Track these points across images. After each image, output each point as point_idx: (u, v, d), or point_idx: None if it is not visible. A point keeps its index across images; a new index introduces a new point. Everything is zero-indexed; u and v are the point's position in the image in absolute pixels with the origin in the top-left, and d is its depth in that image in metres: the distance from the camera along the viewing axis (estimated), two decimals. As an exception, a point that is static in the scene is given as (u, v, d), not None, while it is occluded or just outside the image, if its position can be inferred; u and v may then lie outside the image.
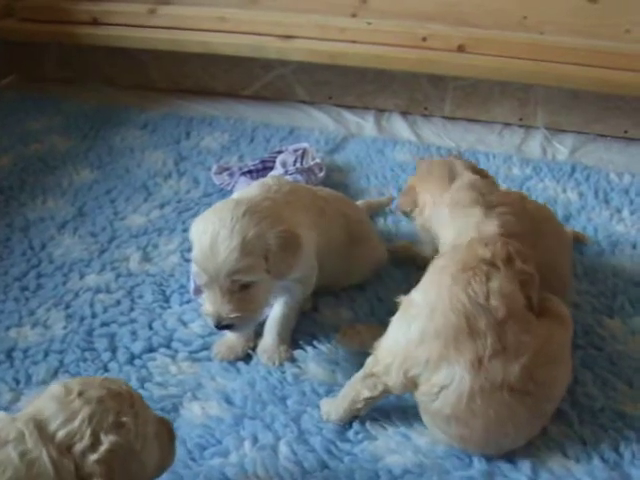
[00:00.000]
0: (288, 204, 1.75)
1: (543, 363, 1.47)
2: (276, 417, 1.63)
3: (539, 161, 2.75)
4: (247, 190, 1.84)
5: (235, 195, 1.84)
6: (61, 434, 1.16)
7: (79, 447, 1.15)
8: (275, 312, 1.82)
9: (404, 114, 3.15)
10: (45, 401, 1.21)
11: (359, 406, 1.57)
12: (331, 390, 1.68)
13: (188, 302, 1.99)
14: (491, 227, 1.68)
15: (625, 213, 2.39)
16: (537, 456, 1.52)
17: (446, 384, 1.44)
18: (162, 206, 2.43)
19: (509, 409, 1.44)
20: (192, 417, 1.64)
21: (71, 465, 1.14)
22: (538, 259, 1.64)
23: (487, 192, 1.80)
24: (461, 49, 2.90)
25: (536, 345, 1.47)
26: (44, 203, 2.46)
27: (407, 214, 2.01)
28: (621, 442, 1.56)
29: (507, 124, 3.06)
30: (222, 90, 3.31)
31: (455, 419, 1.46)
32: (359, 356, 1.75)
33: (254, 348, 1.82)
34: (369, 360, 1.56)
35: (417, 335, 1.48)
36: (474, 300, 1.47)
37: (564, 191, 2.52)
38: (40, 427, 1.16)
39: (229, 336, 1.82)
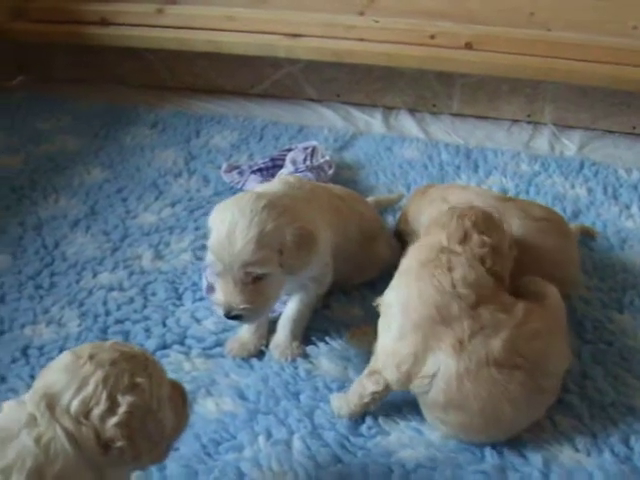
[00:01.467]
0: (307, 203, 1.77)
1: (527, 337, 1.51)
2: (289, 412, 1.64)
3: (547, 157, 2.76)
4: (268, 185, 1.87)
5: (257, 189, 1.85)
6: (75, 403, 1.15)
7: (96, 412, 1.15)
8: (289, 309, 1.84)
9: (412, 111, 3.17)
10: (55, 373, 1.20)
11: (367, 400, 1.58)
12: (343, 386, 1.70)
13: (201, 299, 2.01)
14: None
15: (634, 209, 2.40)
16: (548, 450, 1.54)
17: (434, 372, 1.49)
18: (173, 204, 2.45)
19: (500, 385, 1.47)
20: (206, 413, 1.65)
21: (90, 432, 1.14)
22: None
23: None
24: (469, 46, 2.92)
25: (515, 321, 1.51)
26: (56, 202, 2.49)
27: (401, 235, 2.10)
28: (631, 436, 1.57)
29: (515, 121, 3.08)
30: (231, 89, 3.34)
31: (451, 406, 1.49)
32: (370, 353, 1.77)
33: (267, 345, 1.84)
34: (372, 358, 1.60)
35: (397, 333, 1.54)
36: (441, 290, 1.52)
37: (572, 187, 2.53)
38: (51, 403, 1.15)
39: (242, 333, 1.84)
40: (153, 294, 2.04)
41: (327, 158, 2.59)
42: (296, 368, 1.77)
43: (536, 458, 1.52)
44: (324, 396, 1.68)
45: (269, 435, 1.59)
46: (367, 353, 1.75)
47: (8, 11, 3.38)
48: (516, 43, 2.87)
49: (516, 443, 1.55)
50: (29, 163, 2.76)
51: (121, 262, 2.17)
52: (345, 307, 1.98)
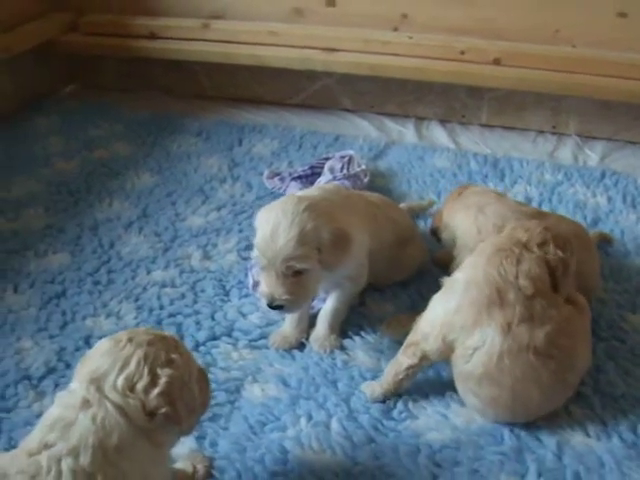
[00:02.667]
0: (343, 208, 1.94)
1: (565, 334, 1.66)
2: (328, 398, 1.80)
3: (570, 167, 2.88)
4: (309, 191, 2.04)
5: (299, 193, 2.02)
6: (121, 381, 1.33)
7: (140, 386, 1.33)
8: (327, 305, 2.01)
9: (443, 122, 3.30)
10: (98, 358, 1.37)
11: (401, 377, 1.75)
12: (376, 375, 1.86)
13: (246, 296, 2.17)
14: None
15: (651, 217, 2.53)
16: (562, 435, 1.69)
17: (479, 345, 1.63)
18: (219, 208, 2.62)
19: (533, 370, 1.62)
20: (253, 398, 1.82)
21: (137, 403, 1.32)
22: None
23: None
24: (497, 62, 3.03)
25: (560, 318, 1.66)
26: (110, 205, 2.66)
27: (436, 233, 2.22)
28: (638, 424, 1.71)
29: (540, 132, 3.20)
30: (270, 99, 3.49)
31: (486, 378, 1.64)
32: (402, 345, 1.94)
33: (307, 338, 2.00)
34: (409, 334, 1.77)
35: (454, 305, 1.69)
36: (504, 277, 1.67)
37: (594, 196, 2.66)
38: (99, 385, 1.33)
39: (284, 327, 2.01)
40: (202, 291, 2.20)
41: (363, 167, 2.74)
42: (334, 359, 1.93)
43: (550, 442, 1.66)
44: (359, 384, 1.84)
45: (310, 417, 1.75)
46: (399, 346, 1.90)
47: (62, 25, 3.57)
48: (542, 59, 2.98)
49: (532, 428, 1.70)
50: (84, 168, 2.94)
51: (172, 261, 2.34)
52: (379, 304, 2.13)
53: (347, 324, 2.04)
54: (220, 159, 2.98)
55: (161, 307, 2.14)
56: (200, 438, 1.71)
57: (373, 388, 1.80)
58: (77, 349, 1.99)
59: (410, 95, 3.31)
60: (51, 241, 2.46)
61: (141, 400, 1.33)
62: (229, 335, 2.03)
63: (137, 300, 2.18)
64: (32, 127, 3.31)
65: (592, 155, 3.02)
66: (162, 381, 1.34)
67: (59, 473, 1.25)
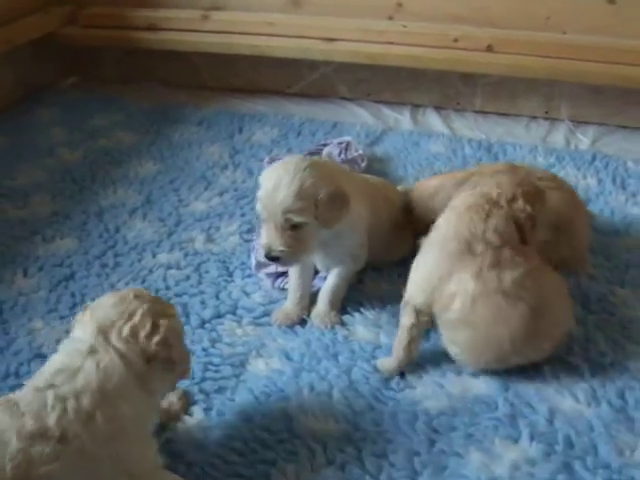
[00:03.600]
0: (346, 178, 2.03)
1: (533, 279, 1.78)
2: (329, 370, 1.88)
3: (562, 151, 2.95)
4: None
5: None
6: (126, 329, 1.49)
7: (143, 334, 1.49)
8: (328, 283, 2.08)
9: (438, 109, 3.36)
10: (105, 310, 1.53)
11: (407, 340, 1.84)
12: (376, 348, 1.94)
13: (249, 276, 2.25)
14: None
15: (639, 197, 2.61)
16: (553, 401, 1.76)
17: (455, 292, 1.76)
18: (221, 194, 2.69)
19: (502, 311, 1.75)
20: (257, 371, 1.90)
21: (137, 349, 1.48)
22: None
23: None
24: (490, 49, 3.09)
25: (528, 265, 1.78)
26: (114, 192, 2.73)
27: None
28: (626, 391, 1.78)
29: (533, 117, 3.26)
30: (270, 88, 3.55)
31: (462, 323, 1.77)
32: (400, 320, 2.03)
33: (308, 315, 2.07)
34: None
35: (432, 260, 1.85)
36: (473, 232, 1.80)
37: (584, 178, 2.73)
38: (106, 333, 1.48)
39: (286, 304, 2.09)
40: (206, 272, 2.28)
41: (360, 152, 2.82)
42: (335, 334, 2.01)
43: (542, 408, 1.74)
44: (360, 357, 1.92)
45: (312, 388, 1.83)
46: (396, 321, 1.99)
47: (62, 18, 3.63)
48: (534, 45, 3.04)
49: (524, 395, 1.78)
50: (88, 157, 3.01)
51: (177, 244, 2.41)
52: (376, 282, 2.21)
53: (347, 301, 2.12)
54: (221, 147, 3.05)
55: (167, 288, 2.21)
56: (207, 409, 1.78)
57: (388, 362, 1.89)
58: (87, 329, 2.06)
59: (406, 83, 3.37)
60: (58, 227, 2.53)
61: (142, 347, 1.49)
62: (233, 313, 2.10)
63: (144, 282, 2.25)
64: (34, 119, 3.37)
65: (584, 139, 3.09)
66: (162, 330, 1.51)
67: (63, 411, 1.38)
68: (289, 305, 2.09)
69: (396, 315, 2.04)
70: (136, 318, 1.51)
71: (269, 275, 2.21)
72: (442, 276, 1.80)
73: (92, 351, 1.46)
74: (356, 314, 2.08)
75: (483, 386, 1.83)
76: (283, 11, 3.42)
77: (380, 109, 3.40)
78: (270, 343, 2.00)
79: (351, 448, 1.66)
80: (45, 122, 3.33)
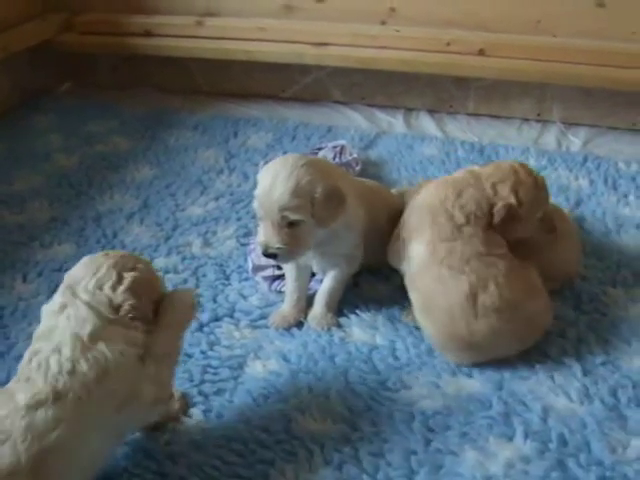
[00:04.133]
0: (342, 178, 2.06)
1: (484, 262, 1.85)
2: (326, 371, 1.91)
3: (554, 152, 2.98)
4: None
5: None
6: (92, 283, 1.54)
7: (108, 284, 1.54)
8: (324, 286, 2.11)
9: (431, 112, 3.38)
10: (76, 269, 1.60)
11: None
12: (373, 349, 1.97)
13: (246, 280, 2.27)
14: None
15: (631, 198, 2.63)
16: (546, 400, 1.79)
17: (412, 255, 1.95)
18: (217, 198, 2.71)
19: (443, 283, 1.86)
20: (255, 373, 1.92)
21: (104, 299, 1.53)
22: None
23: None
24: (482, 53, 3.13)
25: (484, 248, 1.87)
26: (111, 197, 2.75)
27: None
28: (618, 389, 1.81)
29: (525, 119, 3.29)
30: (264, 93, 3.58)
31: (410, 283, 1.97)
32: (395, 322, 2.07)
33: (305, 317, 2.10)
34: None
35: (403, 222, 2.03)
36: (443, 204, 1.91)
37: (576, 179, 2.76)
38: (73, 289, 1.54)
39: (283, 307, 2.11)
40: (204, 275, 2.30)
41: (355, 156, 2.84)
42: (331, 336, 2.03)
43: (536, 406, 1.77)
44: (356, 358, 1.95)
45: (310, 389, 1.85)
46: (391, 323, 2.05)
47: (58, 24, 3.66)
48: (525, 49, 3.08)
49: (518, 394, 1.81)
50: (84, 162, 3.03)
51: (174, 249, 2.44)
52: (372, 285, 2.23)
53: (343, 303, 2.14)
54: (216, 151, 3.07)
55: (165, 291, 2.24)
56: (207, 411, 1.80)
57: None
58: (88, 333, 2.09)
59: (399, 86, 3.40)
60: (56, 232, 2.55)
61: (107, 296, 1.53)
62: (231, 316, 2.13)
63: (142, 286, 2.27)
64: (31, 125, 3.39)
65: (575, 141, 3.12)
66: (127, 280, 1.56)
67: (47, 367, 1.45)
68: (286, 308, 2.11)
69: (392, 317, 2.09)
70: (101, 272, 1.56)
71: (266, 278, 2.24)
72: (406, 238, 1.97)
73: (61, 308, 1.52)
74: (352, 316, 2.10)
75: (477, 385, 1.86)
76: (276, 16, 3.45)
77: (374, 113, 3.43)
78: (267, 345, 2.02)
79: (348, 448, 1.69)
80: (41, 128, 3.35)
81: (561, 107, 3.25)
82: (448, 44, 3.17)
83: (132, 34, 3.56)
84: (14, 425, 1.38)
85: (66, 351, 1.46)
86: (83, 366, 1.45)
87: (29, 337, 2.00)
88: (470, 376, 1.89)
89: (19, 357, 1.93)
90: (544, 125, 3.26)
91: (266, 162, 2.76)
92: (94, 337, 1.48)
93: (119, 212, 2.66)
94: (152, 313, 1.60)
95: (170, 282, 2.26)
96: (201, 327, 2.09)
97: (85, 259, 1.62)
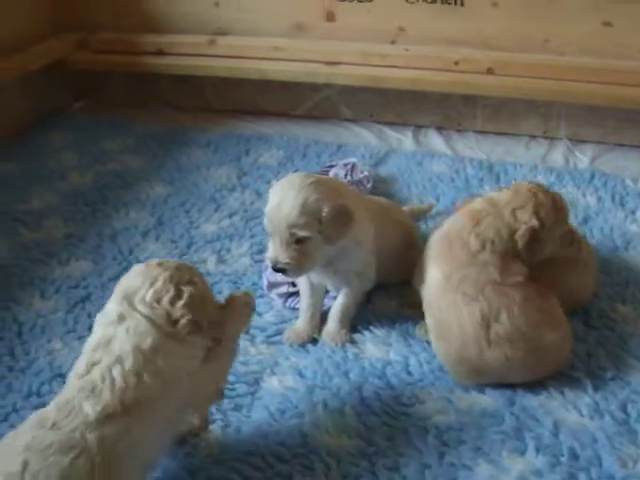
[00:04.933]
0: (353, 197, 2.10)
1: (498, 291, 1.89)
2: (341, 387, 1.94)
3: (562, 169, 3.02)
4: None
5: None
6: (150, 295, 1.55)
7: (166, 298, 1.55)
8: (337, 302, 2.15)
9: (439, 129, 3.43)
10: (130, 279, 1.60)
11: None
12: (387, 365, 2.01)
13: (261, 296, 2.30)
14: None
15: (638, 214, 2.66)
16: (557, 415, 1.83)
17: (429, 280, 2.00)
18: (231, 216, 2.76)
19: (456, 305, 1.90)
20: (271, 388, 1.96)
21: (163, 313, 1.54)
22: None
23: None
24: (490, 71, 3.17)
25: (497, 276, 1.90)
26: (127, 215, 2.79)
27: None
28: (628, 404, 1.85)
29: (533, 136, 3.33)
30: (274, 111, 3.62)
31: (428, 310, 2.00)
32: (408, 338, 2.11)
33: (319, 333, 2.14)
34: None
35: (427, 246, 2.07)
36: (460, 233, 1.96)
37: (584, 196, 2.79)
38: (131, 300, 1.55)
39: (297, 324, 2.16)
40: (219, 292, 2.31)
41: (366, 173, 2.88)
42: (345, 352, 2.07)
43: (547, 421, 1.81)
44: (370, 374, 1.99)
45: (325, 405, 1.89)
46: (405, 339, 2.09)
47: (73, 44, 3.71)
48: (532, 67, 3.12)
49: (529, 409, 1.85)
50: (99, 180, 3.06)
51: (189, 266, 2.49)
52: (384, 301, 2.27)
53: (356, 320, 2.18)
54: (229, 169, 3.11)
55: (182, 308, 2.28)
56: (225, 427, 1.84)
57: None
58: (106, 349, 2.13)
59: (408, 105, 3.45)
60: (72, 249, 2.59)
61: (166, 310, 1.54)
62: (246, 332, 2.13)
63: (159, 302, 2.31)
64: (46, 143, 3.44)
65: (582, 158, 3.16)
66: (185, 295, 1.57)
67: (112, 380, 1.45)
68: (300, 324, 2.16)
69: (405, 333, 2.12)
70: (158, 284, 1.57)
71: (280, 295, 2.28)
72: (425, 266, 2.02)
73: (120, 318, 1.53)
74: (366, 332, 2.14)
75: (489, 401, 1.89)
76: (286, 36, 3.50)
77: (383, 130, 3.47)
78: (283, 361, 2.06)
79: (365, 462, 1.73)
80: (56, 146, 3.40)
81: (568, 124, 3.29)
82: (457, 63, 3.21)
83: (145, 53, 3.61)
84: (85, 438, 1.40)
85: (129, 364, 1.47)
86: (147, 379, 1.47)
87: (49, 353, 2.10)
88: (482, 392, 1.92)
89: (39, 372, 2.03)
90: (551, 142, 3.30)
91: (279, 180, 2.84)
92: (155, 351, 1.50)
93: (134, 229, 2.70)
94: (206, 325, 1.62)
95: (186, 299, 2.30)
96: (217, 343, 2.12)
97: (139, 268, 1.63)
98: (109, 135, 3.47)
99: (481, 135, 3.39)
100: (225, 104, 3.71)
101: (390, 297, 2.30)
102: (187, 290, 1.58)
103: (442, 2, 3.23)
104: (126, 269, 2.35)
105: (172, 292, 1.56)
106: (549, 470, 1.69)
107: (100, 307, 2.20)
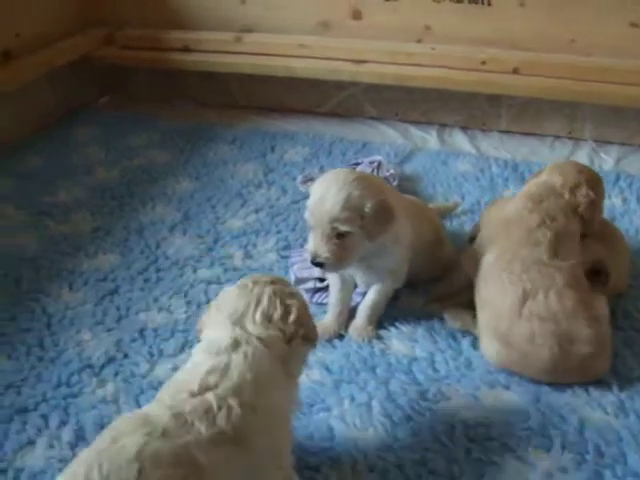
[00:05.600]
0: (391, 194, 2.11)
1: (544, 270, 1.97)
2: (368, 382, 1.96)
3: (587, 171, 3.03)
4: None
5: None
6: (259, 315, 1.55)
7: (276, 316, 1.55)
8: (367, 298, 2.17)
9: (464, 129, 3.43)
10: (231, 302, 1.58)
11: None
12: (413, 360, 2.03)
13: (288, 292, 2.34)
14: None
15: (664, 215, 2.67)
16: (582, 412, 1.84)
17: (483, 264, 2.07)
18: (257, 211, 2.78)
19: (501, 285, 1.98)
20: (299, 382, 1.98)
21: (277, 331, 1.54)
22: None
23: None
24: (516, 71, 3.17)
25: (546, 256, 2.00)
26: (153, 209, 2.83)
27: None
28: (653, 402, 1.87)
29: (557, 137, 3.33)
30: (300, 108, 3.64)
31: (478, 288, 2.06)
32: (435, 335, 2.12)
33: (345, 329, 2.16)
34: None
35: (485, 234, 2.19)
36: (517, 214, 2.07)
37: (609, 197, 2.76)
38: (240, 323, 1.54)
39: (325, 319, 2.17)
40: (246, 287, 2.37)
41: (392, 171, 2.90)
42: (372, 347, 2.09)
43: (573, 418, 1.82)
44: (396, 369, 2.00)
45: (352, 399, 1.91)
46: (431, 336, 2.11)
47: (99, 39, 3.76)
48: (559, 68, 3.12)
49: (555, 406, 1.86)
50: (125, 175, 3.10)
51: (216, 260, 2.50)
52: (411, 298, 2.28)
53: (383, 316, 2.20)
54: (255, 165, 3.14)
55: (208, 302, 2.25)
56: (252, 419, 1.87)
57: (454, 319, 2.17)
58: (133, 340, 2.16)
59: (433, 103, 3.45)
60: (100, 243, 2.63)
61: (280, 329, 1.55)
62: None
63: (186, 296, 2.34)
64: (72, 137, 3.48)
65: (607, 159, 3.15)
66: (294, 309, 1.58)
67: (229, 409, 1.41)
68: (328, 319, 2.17)
69: (430, 329, 2.14)
70: (264, 303, 1.56)
71: (307, 290, 2.30)
72: (480, 252, 2.09)
73: (234, 344, 1.51)
74: (392, 328, 2.16)
75: (515, 397, 1.91)
76: (312, 33, 3.51)
77: (408, 129, 3.48)
78: (310, 356, 2.05)
79: (391, 456, 1.74)
80: (82, 141, 3.44)
81: (593, 125, 3.28)
82: (483, 63, 3.22)
83: (171, 49, 3.65)
84: (196, 457, 1.35)
85: (247, 395, 1.44)
86: (260, 412, 1.45)
87: (78, 344, 2.14)
88: (508, 388, 1.94)
89: (68, 363, 2.06)
90: (576, 143, 3.30)
91: (304, 177, 2.87)
92: (270, 380, 1.50)
93: (161, 223, 2.73)
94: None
95: (214, 293, 2.32)
96: (244, 337, 2.14)
97: (235, 291, 1.61)
98: (135, 130, 3.51)
99: (506, 135, 3.39)
100: (251, 101, 3.73)
101: (417, 294, 2.30)
102: (293, 304, 1.59)
103: (469, 1, 3.24)
104: (154, 263, 2.48)
105: (280, 309, 1.56)
106: (575, 467, 1.70)
107: (128, 300, 2.32)
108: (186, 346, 2.12)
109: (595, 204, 2.14)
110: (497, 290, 1.98)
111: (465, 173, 3.02)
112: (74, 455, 1.73)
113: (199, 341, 1.62)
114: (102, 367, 2.06)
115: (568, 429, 1.80)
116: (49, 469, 1.75)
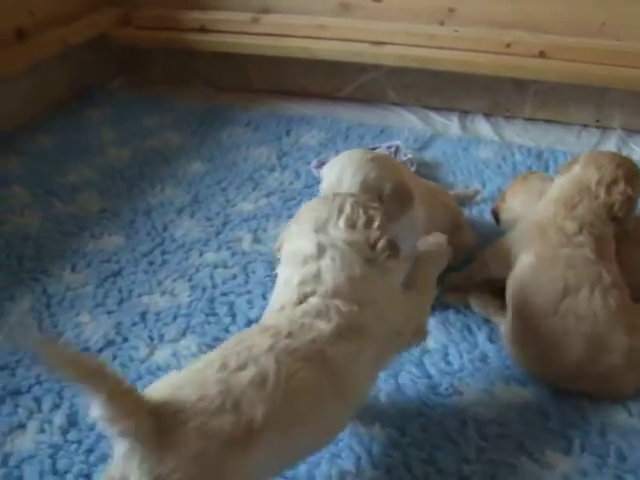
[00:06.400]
0: (409, 177, 2.03)
1: (590, 268, 1.82)
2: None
3: (614, 161, 2.91)
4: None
5: None
6: (342, 222, 1.53)
7: (360, 223, 1.54)
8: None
9: (487, 116, 3.32)
10: (315, 210, 1.58)
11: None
12: (425, 352, 1.92)
13: (298, 278, 2.24)
14: None
15: (694, 208, 2.56)
16: (605, 414, 1.73)
17: (519, 264, 1.91)
18: (268, 195, 2.69)
19: (543, 276, 1.84)
20: (305, 372, 1.90)
21: (360, 237, 1.52)
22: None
23: None
24: (542, 55, 3.06)
25: (592, 256, 1.84)
26: (162, 191, 2.75)
27: (496, 213, 2.30)
28: (679, 406, 1.75)
29: (585, 125, 3.22)
30: (318, 91, 3.55)
31: (511, 286, 1.91)
32: (448, 326, 2.02)
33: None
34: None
35: (517, 235, 2.00)
36: (552, 221, 1.90)
37: (638, 190, 2.69)
38: (324, 229, 1.53)
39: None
40: (253, 272, 2.27)
41: (409, 156, 2.80)
42: (382, 337, 2.00)
43: (595, 420, 1.71)
44: (407, 361, 1.90)
45: (359, 391, 1.82)
46: (443, 327, 2.01)
47: (115, 19, 3.66)
48: (587, 52, 3.00)
49: (577, 407, 1.75)
50: (137, 156, 3.03)
51: (224, 244, 2.42)
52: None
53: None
54: (269, 149, 3.05)
55: (214, 286, 2.22)
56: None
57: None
58: (134, 324, 2.08)
59: (454, 89, 3.35)
60: (106, 224, 2.55)
61: (363, 235, 1.52)
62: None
63: (190, 280, 2.25)
64: (85, 117, 3.41)
65: (636, 149, 3.03)
66: (377, 217, 1.56)
67: (337, 307, 1.44)
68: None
69: (445, 320, 2.03)
70: (347, 210, 1.55)
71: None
72: (518, 246, 1.94)
73: (320, 250, 1.49)
74: (404, 318, 2.05)
75: (531, 395, 1.80)
76: (332, 14, 3.41)
77: (428, 114, 3.38)
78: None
79: (398, 453, 1.65)
80: (95, 121, 3.36)
81: (622, 114, 3.17)
82: (508, 45, 3.11)
83: (188, 29, 3.55)
84: (324, 349, 1.38)
85: (343, 297, 1.45)
86: (364, 307, 1.45)
87: (76, 326, 2.07)
88: (524, 385, 1.83)
89: (66, 345, 1.97)
90: (604, 132, 3.18)
91: (319, 162, 2.77)
92: (364, 278, 1.48)
93: (169, 205, 2.65)
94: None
95: (220, 277, 2.26)
96: (249, 323, 2.05)
97: (315, 204, 1.62)
98: (148, 111, 3.43)
99: (530, 123, 3.28)
100: (267, 84, 3.64)
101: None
102: (376, 213, 1.57)
103: (494, -17, 3.13)
104: (159, 245, 2.41)
105: (363, 216, 1.54)
106: (595, 471, 1.59)
107: (131, 283, 2.24)
108: (187, 331, 2.05)
109: (632, 201, 1.95)
110: (538, 282, 1.84)
111: (486, 160, 2.91)
112: (65, 441, 1.69)
113: (278, 260, 1.60)
114: (100, 350, 1.99)
115: (590, 429, 1.69)
116: (38, 454, 1.68)
